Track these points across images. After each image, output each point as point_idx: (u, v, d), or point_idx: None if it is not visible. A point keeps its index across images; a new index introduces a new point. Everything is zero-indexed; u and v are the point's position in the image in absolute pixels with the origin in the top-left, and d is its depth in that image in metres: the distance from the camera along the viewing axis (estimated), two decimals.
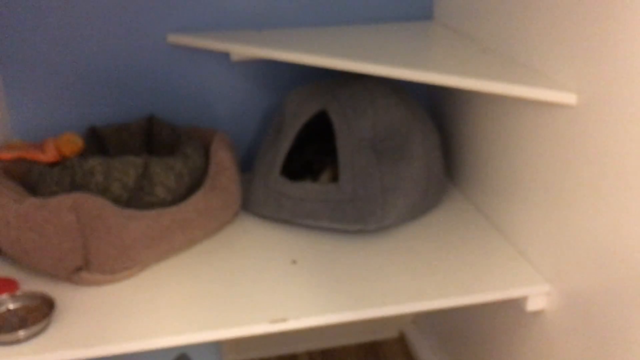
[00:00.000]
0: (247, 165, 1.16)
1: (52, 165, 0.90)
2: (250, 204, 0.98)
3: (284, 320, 0.77)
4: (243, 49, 0.98)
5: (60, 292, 0.83)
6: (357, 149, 0.91)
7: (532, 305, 0.85)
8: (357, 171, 0.90)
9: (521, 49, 0.87)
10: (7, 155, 0.92)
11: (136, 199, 0.87)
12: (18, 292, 0.81)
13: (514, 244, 0.92)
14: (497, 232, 0.96)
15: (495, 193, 0.97)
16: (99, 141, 1.01)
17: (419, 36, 1.03)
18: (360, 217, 0.90)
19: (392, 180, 0.91)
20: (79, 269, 0.82)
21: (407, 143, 0.94)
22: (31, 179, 0.88)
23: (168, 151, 0.99)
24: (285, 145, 0.95)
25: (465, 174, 1.08)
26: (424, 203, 0.98)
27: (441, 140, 1.03)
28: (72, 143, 0.95)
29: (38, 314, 0.78)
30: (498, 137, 0.95)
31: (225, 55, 1.08)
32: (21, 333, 0.73)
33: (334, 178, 1.02)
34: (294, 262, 0.88)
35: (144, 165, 0.87)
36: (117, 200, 0.85)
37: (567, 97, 0.77)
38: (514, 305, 0.90)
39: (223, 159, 0.96)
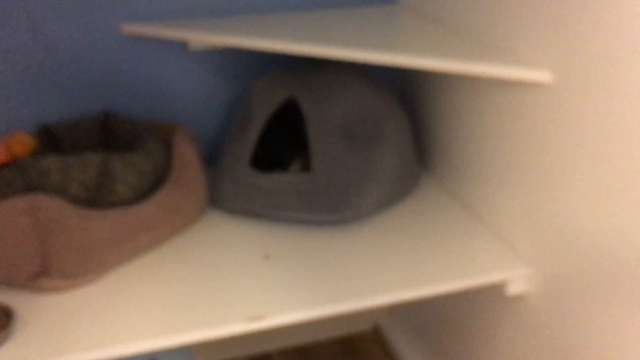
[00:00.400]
0: (211, 159, 1.11)
1: (3, 166, 0.84)
2: (218, 199, 0.94)
3: (261, 317, 0.73)
4: (202, 37, 0.93)
5: (19, 301, 0.77)
6: (329, 137, 0.88)
7: (512, 289, 0.84)
8: (329, 159, 0.87)
9: (492, 29, 0.85)
10: None
11: (97, 198, 0.82)
12: None
13: (491, 228, 0.90)
14: (473, 217, 0.94)
15: (470, 177, 0.95)
16: (52, 140, 0.95)
17: (385, 20, 1.00)
18: (334, 206, 0.86)
19: (366, 168, 0.88)
20: (37, 275, 0.77)
21: (379, 129, 0.91)
22: None
23: (127, 148, 0.93)
24: (252, 135, 0.91)
25: (438, 159, 1.05)
26: (399, 190, 0.95)
27: (412, 126, 1.01)
28: (24, 143, 0.89)
29: None
30: (471, 120, 0.93)
31: (184, 45, 1.03)
32: None
33: (305, 168, 0.99)
34: (267, 257, 0.84)
35: (104, 162, 0.82)
36: (76, 201, 0.80)
37: (541, 75, 0.75)
38: (494, 291, 0.88)
39: (186, 153, 0.92)
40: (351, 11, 1.06)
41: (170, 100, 1.06)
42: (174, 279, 0.81)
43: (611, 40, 0.65)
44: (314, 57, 1.00)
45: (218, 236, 0.90)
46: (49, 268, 0.76)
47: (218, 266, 0.83)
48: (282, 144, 1.03)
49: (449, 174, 1.02)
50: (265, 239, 0.89)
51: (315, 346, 1.31)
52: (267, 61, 1.08)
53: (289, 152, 1.01)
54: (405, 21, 0.99)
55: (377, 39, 0.87)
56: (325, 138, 0.88)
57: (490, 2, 0.84)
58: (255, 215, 0.93)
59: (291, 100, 0.91)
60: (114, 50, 1.00)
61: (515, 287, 0.84)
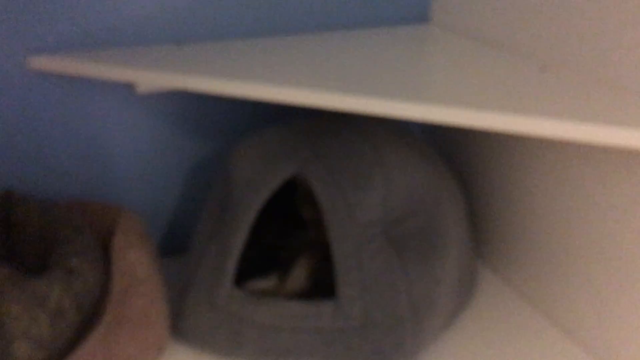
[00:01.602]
0: (175, 248, 0.78)
1: None
2: (187, 332, 0.60)
3: None
4: (153, 76, 0.60)
5: None
6: (363, 242, 0.55)
7: None
8: (367, 280, 0.54)
9: (598, 62, 0.54)
10: None
11: None
12: None
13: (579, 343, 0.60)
14: (555, 328, 0.63)
15: (545, 272, 0.64)
16: None
17: (419, 46, 0.68)
18: (378, 352, 0.54)
19: (424, 288, 0.56)
20: None
21: (435, 222, 0.59)
22: None
23: (36, 256, 0.59)
24: (238, 237, 0.58)
25: (494, 245, 0.74)
26: (460, 303, 0.64)
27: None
28: None
29: None
30: (546, 192, 0.62)
31: (129, 87, 0.69)
32: None
33: (314, 273, 0.66)
34: None
35: None
36: None
37: None
38: None
39: (135, 265, 0.58)
40: (374, 33, 0.74)
41: (108, 168, 0.71)
42: None
43: None
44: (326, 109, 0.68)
45: None
46: None
47: None
48: (277, 234, 0.70)
49: (513, 266, 0.70)
50: None
51: None
52: (256, 110, 0.75)
53: (288, 246, 0.68)
54: (448, 47, 0.68)
55: (416, 79, 0.55)
56: (357, 245, 0.55)
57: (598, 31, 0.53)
58: (244, 356, 0.59)
59: (296, 178, 0.59)
60: (21, 94, 0.66)
61: None
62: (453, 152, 0.79)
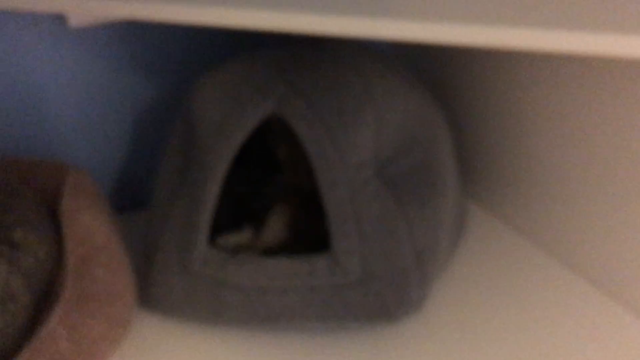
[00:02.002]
0: (121, 206, 0.69)
1: None
2: (157, 301, 0.53)
3: None
4: (87, 5, 0.49)
5: None
6: (359, 187, 0.48)
7: None
8: (365, 229, 0.48)
9: None
10: None
11: None
12: None
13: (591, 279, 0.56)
14: (554, 259, 0.60)
15: (539, 203, 0.60)
16: None
17: None
18: (381, 308, 0.49)
19: (427, 233, 0.50)
20: None
21: (431, 159, 0.53)
22: None
23: None
24: (210, 189, 0.50)
25: (482, 178, 0.69)
26: (454, 243, 0.59)
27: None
28: None
29: None
30: (538, 109, 0.57)
31: (60, 19, 0.59)
32: None
33: (292, 223, 0.59)
34: None
35: None
36: None
37: None
38: None
39: (91, 230, 0.49)
40: None
41: (44, 121, 0.61)
42: None
43: None
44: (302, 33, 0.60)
45: None
46: None
47: None
48: (248, 180, 0.62)
49: (500, 196, 0.66)
50: None
51: None
52: (215, 40, 0.65)
53: (262, 195, 0.61)
54: None
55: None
56: (350, 191, 0.48)
57: None
58: (225, 323, 0.53)
59: (273, 118, 0.51)
60: None
61: None
62: (434, 79, 0.73)
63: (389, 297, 0.48)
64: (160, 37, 0.63)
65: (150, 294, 0.53)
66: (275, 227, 0.59)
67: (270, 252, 0.57)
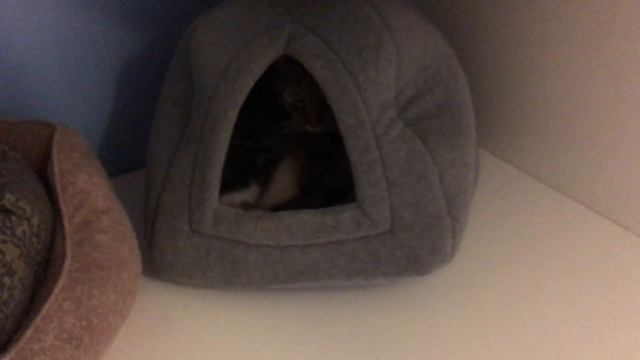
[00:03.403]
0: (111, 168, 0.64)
1: None
2: (165, 267, 0.48)
3: None
4: None
5: None
6: (383, 130, 0.44)
7: None
8: (393, 176, 0.44)
9: None
10: None
11: None
12: None
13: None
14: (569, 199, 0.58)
15: (548, 144, 0.57)
16: None
17: None
18: (413, 259, 0.45)
19: (457, 177, 0.46)
20: None
21: (454, 97, 0.49)
22: None
23: None
24: (219, 143, 0.45)
25: (488, 122, 0.66)
26: (474, 186, 0.55)
27: None
28: None
29: None
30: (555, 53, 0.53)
31: None
32: None
33: (301, 177, 0.55)
34: None
35: None
36: None
37: None
38: None
39: (90, 193, 0.44)
40: None
41: (22, 81, 0.55)
42: None
43: None
44: None
45: (177, 341, 0.46)
46: None
47: None
48: (252, 129, 0.57)
49: (509, 141, 0.63)
50: (266, 330, 0.46)
51: None
52: None
53: (265, 143, 0.57)
54: None
55: None
56: (375, 134, 0.44)
57: None
58: (243, 287, 0.48)
59: (279, 59, 0.46)
60: None
61: None
62: (440, 24, 0.68)
63: (422, 247, 0.45)
64: None
65: (155, 260, 0.49)
66: (283, 183, 0.55)
67: (278, 210, 0.53)
